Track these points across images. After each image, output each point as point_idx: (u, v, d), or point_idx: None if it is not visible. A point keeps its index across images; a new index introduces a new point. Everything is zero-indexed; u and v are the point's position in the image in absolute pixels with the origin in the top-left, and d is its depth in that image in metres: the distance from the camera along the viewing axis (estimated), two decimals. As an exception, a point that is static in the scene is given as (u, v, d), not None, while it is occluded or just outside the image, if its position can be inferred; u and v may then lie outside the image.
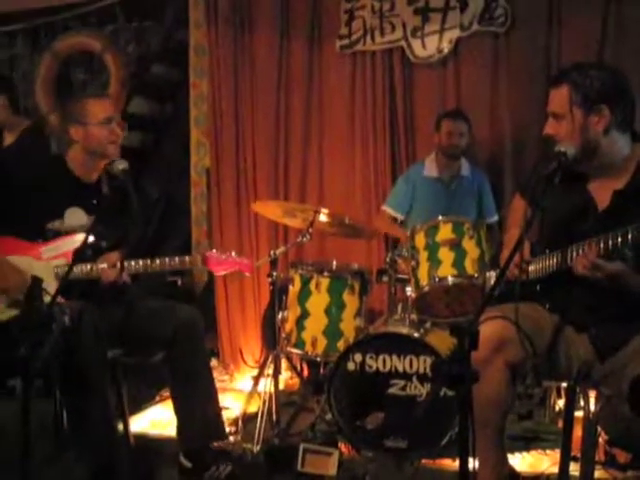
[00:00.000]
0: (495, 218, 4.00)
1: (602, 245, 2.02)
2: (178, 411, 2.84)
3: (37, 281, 2.10)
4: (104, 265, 2.67)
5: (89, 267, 2.65)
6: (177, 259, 2.74)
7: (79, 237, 2.69)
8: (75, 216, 2.75)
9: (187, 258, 2.77)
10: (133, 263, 2.70)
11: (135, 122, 5.64)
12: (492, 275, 2.64)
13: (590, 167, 2.23)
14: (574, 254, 2.11)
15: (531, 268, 2.31)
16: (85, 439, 2.55)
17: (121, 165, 2.60)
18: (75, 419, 2.45)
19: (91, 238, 2.62)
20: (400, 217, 4.05)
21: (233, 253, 2.88)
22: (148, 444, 3.21)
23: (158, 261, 2.71)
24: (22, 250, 2.68)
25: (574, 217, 2.23)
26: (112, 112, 2.77)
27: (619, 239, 1.98)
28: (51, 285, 2.58)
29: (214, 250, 2.84)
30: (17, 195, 2.67)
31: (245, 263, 2.90)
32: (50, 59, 5.33)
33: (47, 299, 2.07)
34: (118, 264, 2.64)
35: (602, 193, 2.20)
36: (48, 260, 2.69)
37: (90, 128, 2.72)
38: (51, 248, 2.69)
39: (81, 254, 2.53)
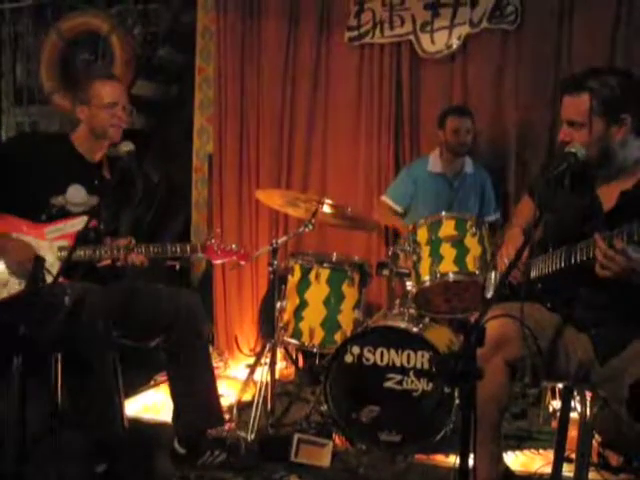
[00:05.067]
0: (494, 216, 3.98)
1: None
2: (175, 397, 2.84)
3: (39, 261, 2.10)
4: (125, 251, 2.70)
5: (92, 250, 2.67)
6: (179, 247, 2.78)
7: (82, 219, 2.70)
8: (77, 193, 2.76)
9: (188, 246, 2.82)
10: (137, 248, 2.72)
11: (139, 105, 5.62)
12: (491, 276, 2.62)
13: (601, 171, 2.22)
14: (578, 253, 2.09)
15: (533, 267, 2.30)
16: (85, 418, 2.54)
17: (126, 147, 2.62)
18: (75, 398, 2.44)
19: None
20: (399, 209, 4.02)
21: (233, 246, 2.93)
22: (141, 428, 3.20)
23: (161, 247, 2.75)
24: (26, 229, 2.68)
25: (579, 217, 2.22)
26: (118, 96, 2.79)
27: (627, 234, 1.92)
28: (54, 266, 2.58)
29: (214, 240, 2.86)
30: (18, 171, 2.67)
31: (242, 253, 2.94)
32: (55, 39, 5.27)
33: (49, 279, 2.07)
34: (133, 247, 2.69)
35: (609, 194, 2.19)
36: (52, 241, 2.69)
37: (94, 110, 2.76)
38: (55, 229, 2.71)
39: (84, 237, 2.55)
